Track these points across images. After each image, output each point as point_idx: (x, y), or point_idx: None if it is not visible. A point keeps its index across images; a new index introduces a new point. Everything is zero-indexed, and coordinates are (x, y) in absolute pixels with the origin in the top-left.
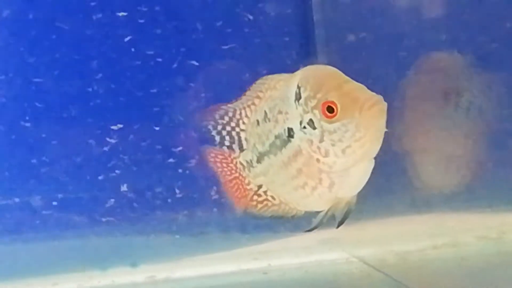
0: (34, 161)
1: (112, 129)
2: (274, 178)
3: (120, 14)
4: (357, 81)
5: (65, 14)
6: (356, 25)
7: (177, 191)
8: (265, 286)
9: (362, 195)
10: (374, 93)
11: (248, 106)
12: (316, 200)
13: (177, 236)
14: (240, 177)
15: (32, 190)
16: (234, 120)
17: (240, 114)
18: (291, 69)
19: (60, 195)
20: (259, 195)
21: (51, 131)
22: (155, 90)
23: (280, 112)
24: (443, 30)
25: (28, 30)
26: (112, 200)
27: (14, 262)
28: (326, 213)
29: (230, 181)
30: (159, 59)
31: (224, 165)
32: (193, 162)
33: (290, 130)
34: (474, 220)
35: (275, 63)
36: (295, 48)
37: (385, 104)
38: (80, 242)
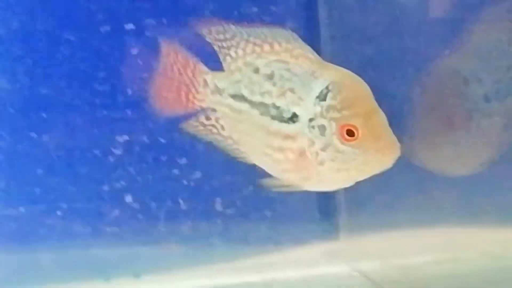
0: (39, 171)
1: (118, 141)
2: (243, 127)
3: (128, 26)
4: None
5: (73, 26)
6: (361, 24)
7: (181, 202)
8: None
9: (368, 209)
10: (395, 138)
11: (254, 43)
12: (280, 175)
13: (181, 247)
14: (190, 87)
15: (36, 199)
16: (229, 43)
17: (238, 43)
18: None
19: (64, 205)
20: (208, 118)
21: (57, 142)
22: None
23: (291, 91)
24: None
25: (36, 42)
26: (117, 211)
27: (18, 271)
28: (284, 186)
29: (175, 80)
30: None
31: (180, 67)
32: (198, 174)
33: (294, 115)
34: (478, 235)
35: None
36: None
37: (399, 153)
38: (84, 252)
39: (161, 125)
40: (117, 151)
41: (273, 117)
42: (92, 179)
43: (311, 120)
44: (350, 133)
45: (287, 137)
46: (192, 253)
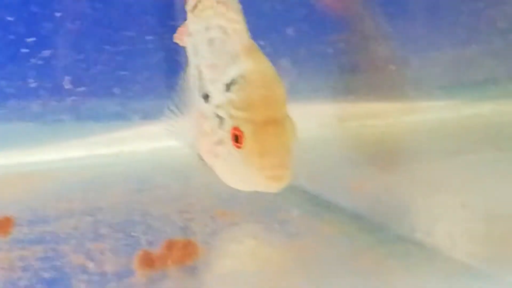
0: None
1: None
2: None
3: None
4: None
5: None
6: None
7: (30, 80)
8: (116, 169)
9: None
10: (287, 162)
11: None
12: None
13: (31, 124)
14: None
15: None
16: None
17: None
18: None
19: None
20: None
21: None
22: None
23: (214, 67)
24: None
25: None
26: None
27: None
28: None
29: None
30: None
31: None
32: (47, 53)
33: (206, 95)
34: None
35: None
36: None
37: (288, 177)
38: None
39: (8, 4)
40: None
41: (197, 87)
42: None
43: (217, 107)
44: (238, 139)
45: (201, 115)
46: (42, 129)
